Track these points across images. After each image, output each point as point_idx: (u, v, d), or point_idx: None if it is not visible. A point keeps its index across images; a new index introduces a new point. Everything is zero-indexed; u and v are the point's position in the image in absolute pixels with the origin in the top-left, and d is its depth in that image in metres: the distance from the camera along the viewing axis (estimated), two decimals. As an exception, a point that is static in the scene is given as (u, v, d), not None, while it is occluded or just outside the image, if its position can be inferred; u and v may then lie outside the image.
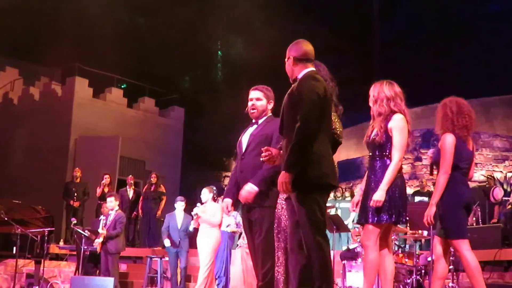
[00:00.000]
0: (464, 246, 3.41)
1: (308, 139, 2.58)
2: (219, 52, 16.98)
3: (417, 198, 8.03)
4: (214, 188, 6.27)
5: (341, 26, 14.33)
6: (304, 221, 2.62)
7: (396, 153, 3.05)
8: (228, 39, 16.38)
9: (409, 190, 10.07)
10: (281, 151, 2.84)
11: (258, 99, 3.31)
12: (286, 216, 2.95)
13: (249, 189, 3.08)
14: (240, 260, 5.80)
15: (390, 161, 3.05)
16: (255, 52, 13.82)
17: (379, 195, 2.98)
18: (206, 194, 6.11)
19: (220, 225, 6.05)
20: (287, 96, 2.75)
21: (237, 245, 6.22)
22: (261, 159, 2.88)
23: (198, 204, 6.11)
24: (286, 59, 2.85)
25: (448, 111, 3.51)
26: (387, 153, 3.08)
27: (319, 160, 2.63)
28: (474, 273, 3.35)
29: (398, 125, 3.08)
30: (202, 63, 16.19)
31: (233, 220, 6.77)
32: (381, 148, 3.10)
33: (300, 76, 2.79)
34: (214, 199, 6.15)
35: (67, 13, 13.34)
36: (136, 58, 14.25)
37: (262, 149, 2.89)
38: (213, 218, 5.93)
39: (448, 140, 3.38)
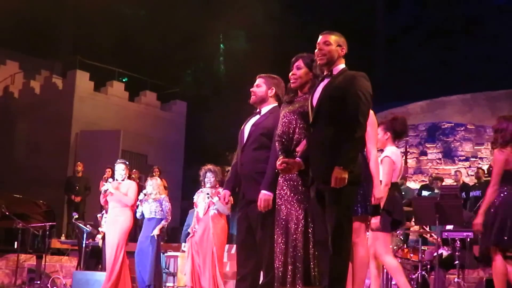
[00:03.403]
0: None
1: (364, 137, 2.65)
2: (221, 45, 16.86)
3: (425, 193, 7.96)
4: (127, 163, 5.54)
5: (345, 20, 14.19)
6: (337, 218, 2.59)
7: (373, 148, 3.11)
8: (231, 32, 16.26)
9: (415, 185, 10.00)
10: (298, 155, 2.83)
11: (258, 85, 3.32)
12: (287, 208, 2.91)
13: (265, 197, 3.05)
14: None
15: (363, 155, 3.08)
16: (258, 45, 13.72)
17: (378, 191, 3.01)
18: (120, 170, 5.34)
19: (132, 207, 5.41)
20: (332, 89, 2.69)
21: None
22: (277, 170, 2.85)
23: (110, 180, 5.46)
24: (333, 46, 2.76)
25: None
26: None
27: (357, 158, 2.67)
28: None
29: (371, 120, 3.08)
30: (204, 56, 16.08)
31: (156, 206, 5.76)
32: None
33: (338, 69, 2.75)
34: (129, 177, 5.47)
35: (68, 5, 13.25)
36: (138, 51, 14.15)
37: (278, 161, 2.83)
38: (126, 197, 5.27)
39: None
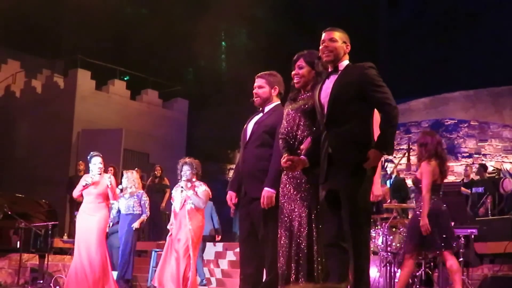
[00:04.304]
0: None
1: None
2: (223, 42, 16.83)
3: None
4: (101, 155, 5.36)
5: (346, 16, 14.14)
6: (357, 212, 2.58)
7: None
8: (232, 29, 16.23)
9: (418, 182, 9.93)
10: (303, 153, 2.82)
11: (260, 86, 3.28)
12: (290, 206, 2.90)
13: (268, 194, 3.03)
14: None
15: None
16: (259, 43, 13.70)
17: (377, 189, 3.01)
18: (98, 163, 5.15)
19: (109, 203, 5.30)
20: (344, 86, 2.68)
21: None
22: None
23: (94, 173, 5.20)
24: (339, 42, 2.78)
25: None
26: None
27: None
28: None
29: (375, 118, 3.07)
30: (206, 54, 16.04)
31: (133, 201, 5.57)
32: None
33: (343, 65, 2.75)
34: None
35: (69, 4, 13.23)
36: (139, 50, 14.14)
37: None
38: (114, 191, 5.13)
39: None
